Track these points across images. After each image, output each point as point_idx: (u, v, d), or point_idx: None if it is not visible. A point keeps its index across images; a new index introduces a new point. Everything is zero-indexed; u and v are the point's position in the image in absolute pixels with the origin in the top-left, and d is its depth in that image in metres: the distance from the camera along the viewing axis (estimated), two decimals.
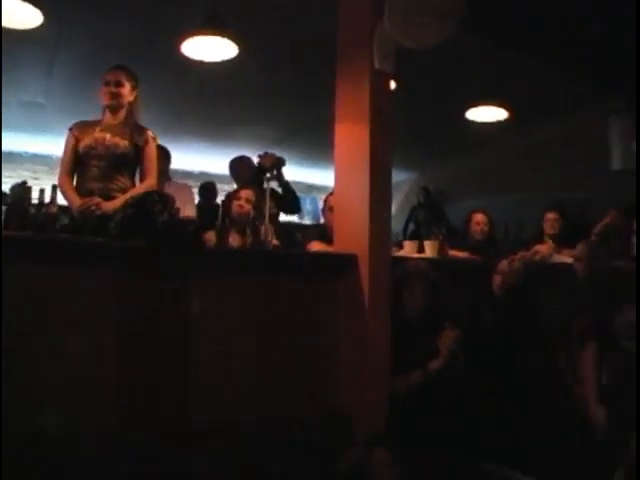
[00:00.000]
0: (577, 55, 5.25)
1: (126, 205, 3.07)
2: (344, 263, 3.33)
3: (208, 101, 6.69)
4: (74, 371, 2.73)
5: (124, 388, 2.83)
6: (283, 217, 5.26)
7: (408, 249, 4.46)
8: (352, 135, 3.48)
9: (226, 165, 5.65)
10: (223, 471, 2.95)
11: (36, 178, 7.90)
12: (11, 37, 4.77)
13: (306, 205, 9.11)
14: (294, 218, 7.06)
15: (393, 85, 3.66)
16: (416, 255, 4.37)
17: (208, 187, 6.63)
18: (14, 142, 7.79)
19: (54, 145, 7.56)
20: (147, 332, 2.89)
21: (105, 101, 3.77)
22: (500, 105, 5.96)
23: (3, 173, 6.41)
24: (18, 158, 8.49)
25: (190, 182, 5.99)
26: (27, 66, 5.96)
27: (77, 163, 3.71)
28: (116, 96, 3.75)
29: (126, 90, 3.77)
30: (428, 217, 8.10)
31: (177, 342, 2.96)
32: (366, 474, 2.92)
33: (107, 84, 3.76)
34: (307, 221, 8.83)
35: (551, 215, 5.33)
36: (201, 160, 8.49)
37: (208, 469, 2.93)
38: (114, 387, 2.82)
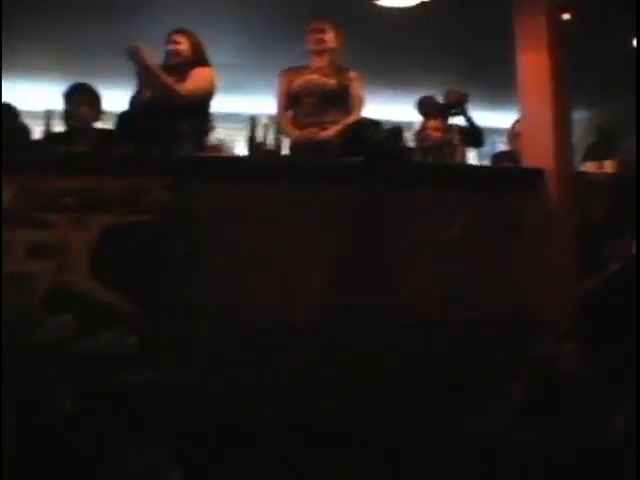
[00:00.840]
0: None
1: (342, 131, 3.60)
2: (532, 177, 3.62)
3: (389, 49, 6.92)
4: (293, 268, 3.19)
5: (336, 284, 3.25)
6: None
7: (589, 167, 4.71)
8: (533, 64, 3.76)
9: (406, 113, 6.16)
10: (426, 366, 3.21)
11: (230, 135, 8.51)
12: None
13: None
14: (473, 160, 7.32)
15: (566, 16, 3.93)
16: None
17: (396, 132, 7.10)
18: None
19: (246, 103, 8.17)
20: (361, 235, 3.32)
21: (311, 46, 4.27)
22: None
23: None
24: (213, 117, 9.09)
25: None
26: (224, 27, 6.23)
27: (291, 102, 4.27)
28: (321, 41, 4.24)
29: (329, 37, 4.25)
30: (604, 153, 8.09)
31: (384, 245, 3.35)
32: (553, 365, 3.17)
33: (313, 32, 4.27)
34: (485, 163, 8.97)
35: None
36: (382, 108, 8.64)
37: (409, 365, 3.20)
38: (327, 282, 3.24)
